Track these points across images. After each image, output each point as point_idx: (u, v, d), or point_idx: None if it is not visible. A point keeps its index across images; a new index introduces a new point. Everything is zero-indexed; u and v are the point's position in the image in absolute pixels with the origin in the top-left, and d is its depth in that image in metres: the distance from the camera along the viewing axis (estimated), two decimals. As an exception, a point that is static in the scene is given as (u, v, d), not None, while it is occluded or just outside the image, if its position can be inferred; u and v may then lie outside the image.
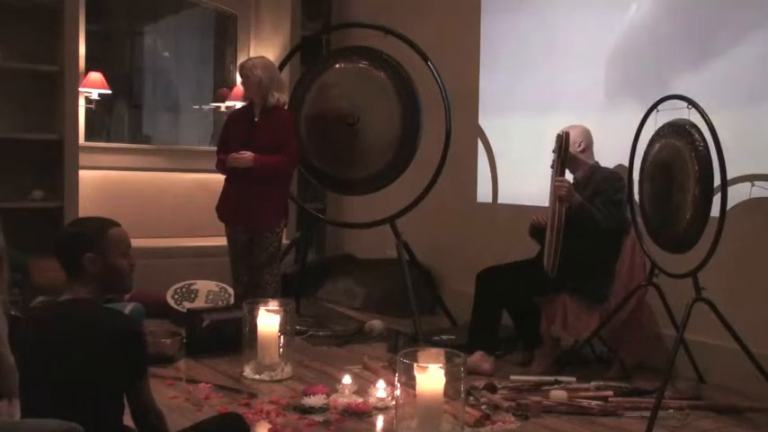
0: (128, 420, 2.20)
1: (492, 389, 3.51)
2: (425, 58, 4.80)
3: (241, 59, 6.42)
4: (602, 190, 3.90)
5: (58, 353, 2.08)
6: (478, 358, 3.90)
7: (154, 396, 2.23)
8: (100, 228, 2.20)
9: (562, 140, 3.83)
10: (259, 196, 4.29)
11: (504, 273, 4.08)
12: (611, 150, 4.07)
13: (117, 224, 2.25)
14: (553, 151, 3.92)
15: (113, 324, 2.15)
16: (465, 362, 2.85)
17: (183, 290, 5.06)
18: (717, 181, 3.17)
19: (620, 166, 3.99)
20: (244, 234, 4.38)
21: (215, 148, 4.61)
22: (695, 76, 3.97)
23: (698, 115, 3.25)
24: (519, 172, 4.98)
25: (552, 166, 3.93)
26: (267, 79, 4.32)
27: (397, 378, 2.86)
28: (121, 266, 2.21)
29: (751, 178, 3.63)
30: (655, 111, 3.49)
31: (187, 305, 4.84)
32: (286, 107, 4.49)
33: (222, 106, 6.46)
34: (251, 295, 4.22)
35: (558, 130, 4.02)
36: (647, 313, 3.93)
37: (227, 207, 4.41)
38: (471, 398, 3.37)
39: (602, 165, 4.06)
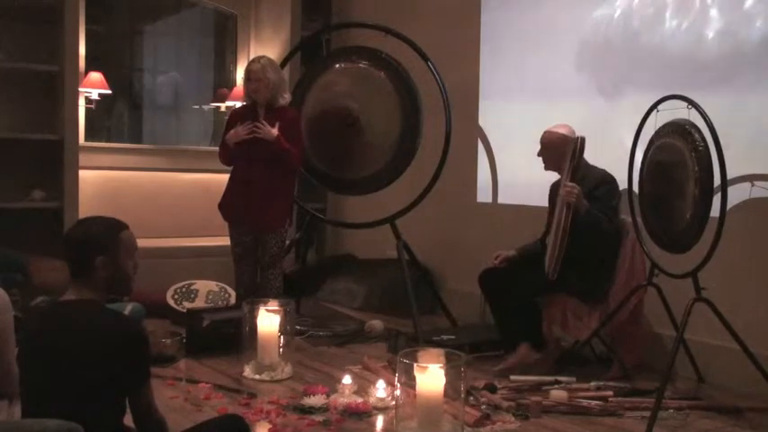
0: (128, 420, 2.19)
1: (492, 389, 3.51)
2: (425, 58, 4.79)
3: (241, 59, 6.43)
4: (599, 196, 3.85)
5: (59, 353, 2.07)
6: (525, 351, 3.88)
7: (156, 401, 2.22)
8: (112, 230, 2.18)
9: (576, 145, 3.75)
10: (265, 196, 4.27)
11: (504, 273, 4.07)
12: (613, 149, 4.06)
13: (126, 226, 2.23)
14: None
15: (115, 326, 2.13)
16: (465, 362, 2.85)
17: (183, 290, 5.06)
18: (717, 181, 3.17)
19: (620, 166, 3.98)
20: (248, 234, 4.37)
21: (215, 149, 4.58)
22: (696, 74, 3.97)
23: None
24: (519, 172, 4.98)
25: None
26: (277, 82, 4.27)
27: (397, 378, 2.86)
28: (129, 269, 2.20)
29: (751, 178, 3.63)
30: (655, 111, 3.48)
31: (187, 305, 4.84)
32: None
33: (222, 106, 6.47)
34: (254, 295, 4.21)
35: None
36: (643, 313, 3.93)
37: (233, 206, 4.38)
38: (471, 398, 3.37)
39: (603, 164, 4.03)
